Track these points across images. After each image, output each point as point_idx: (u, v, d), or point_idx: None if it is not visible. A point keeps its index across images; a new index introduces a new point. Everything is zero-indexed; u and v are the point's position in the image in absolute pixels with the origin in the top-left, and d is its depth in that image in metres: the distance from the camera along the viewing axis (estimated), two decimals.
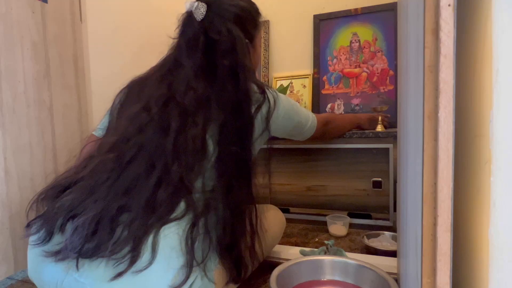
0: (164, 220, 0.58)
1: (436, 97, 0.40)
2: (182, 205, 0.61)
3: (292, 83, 1.84)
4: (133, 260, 0.54)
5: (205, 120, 0.68)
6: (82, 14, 1.49)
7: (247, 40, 0.81)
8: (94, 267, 0.56)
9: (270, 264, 0.99)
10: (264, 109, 0.78)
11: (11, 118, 1.13)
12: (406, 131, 0.64)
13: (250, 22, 0.84)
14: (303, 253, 1.04)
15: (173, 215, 0.59)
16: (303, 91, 1.82)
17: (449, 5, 0.38)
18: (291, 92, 1.84)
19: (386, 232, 1.22)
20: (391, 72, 1.65)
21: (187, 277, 0.56)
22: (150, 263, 0.55)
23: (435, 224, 0.41)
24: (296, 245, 1.21)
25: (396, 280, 0.78)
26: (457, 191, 0.43)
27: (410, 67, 0.56)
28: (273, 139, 1.54)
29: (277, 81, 1.88)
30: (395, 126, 1.41)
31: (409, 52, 0.57)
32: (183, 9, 0.87)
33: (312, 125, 1.00)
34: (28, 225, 0.64)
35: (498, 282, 0.38)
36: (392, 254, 1.04)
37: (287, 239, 1.31)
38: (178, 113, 0.68)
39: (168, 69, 0.77)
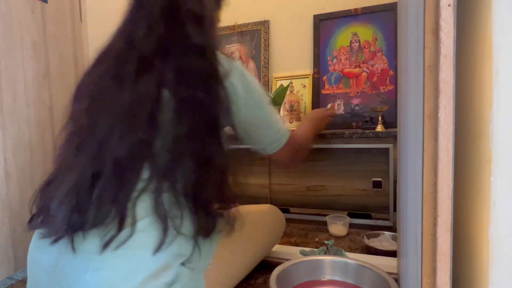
0: (131, 186, 0.57)
1: (436, 97, 0.40)
2: (146, 169, 0.58)
3: (292, 83, 1.84)
4: (119, 229, 0.55)
5: (162, 65, 0.62)
6: (82, 14, 1.49)
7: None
8: (87, 244, 0.56)
9: (270, 264, 0.99)
10: (221, 70, 0.68)
11: (11, 118, 1.13)
12: (406, 131, 0.64)
13: None
14: (303, 253, 1.04)
15: (140, 183, 0.58)
16: (303, 91, 1.82)
17: (449, 5, 0.38)
18: (291, 92, 1.84)
19: (386, 232, 1.21)
20: (391, 72, 1.65)
21: (164, 238, 0.56)
22: (133, 231, 0.55)
23: (435, 224, 0.41)
24: (296, 245, 1.21)
25: (396, 280, 0.78)
26: (457, 191, 0.43)
27: (410, 67, 0.56)
28: None
29: (277, 81, 1.88)
30: (395, 126, 1.41)
31: (409, 52, 0.57)
32: None
33: (284, 130, 0.84)
34: (30, 220, 0.64)
35: (498, 282, 0.38)
36: (392, 254, 1.04)
37: (287, 239, 1.31)
38: (136, 60, 0.62)
39: (128, 17, 0.71)
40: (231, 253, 0.78)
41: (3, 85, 1.10)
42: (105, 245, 0.55)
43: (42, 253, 0.60)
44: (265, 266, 0.99)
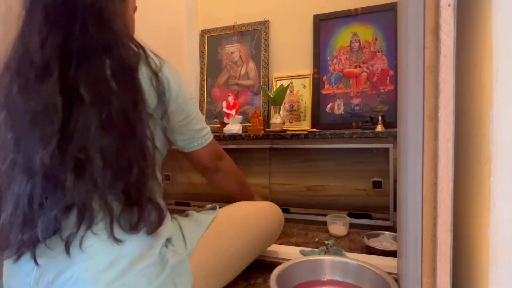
0: (64, 191, 0.59)
1: (436, 97, 0.40)
2: (73, 171, 0.59)
3: (292, 83, 1.84)
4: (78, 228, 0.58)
5: (65, 69, 0.60)
6: None
7: None
8: (56, 252, 0.59)
9: (270, 264, 0.99)
10: (150, 66, 0.67)
11: None
12: (406, 131, 0.64)
13: None
14: (303, 253, 1.04)
15: (81, 183, 0.59)
16: (303, 91, 1.82)
17: (449, 5, 0.38)
18: (291, 92, 1.84)
19: (386, 232, 1.22)
20: (391, 72, 1.65)
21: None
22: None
23: (435, 224, 0.41)
24: (296, 245, 1.21)
25: (396, 280, 0.78)
26: (457, 191, 0.43)
27: (410, 67, 0.56)
28: (273, 138, 1.54)
29: (277, 81, 1.88)
30: (395, 126, 1.41)
31: (409, 52, 0.57)
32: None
33: (209, 134, 0.87)
34: None
35: (498, 282, 0.38)
36: (392, 254, 1.04)
37: (287, 239, 1.31)
38: (38, 68, 0.60)
39: (22, 25, 0.67)
40: (219, 242, 0.79)
41: None
42: (80, 244, 0.57)
43: (19, 278, 0.61)
44: (265, 266, 0.99)
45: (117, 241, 0.59)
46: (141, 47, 0.68)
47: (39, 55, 0.61)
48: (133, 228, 0.60)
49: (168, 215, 0.71)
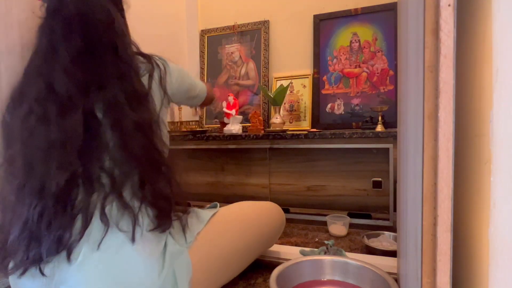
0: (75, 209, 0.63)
1: (436, 97, 0.40)
2: (85, 194, 0.64)
3: (292, 83, 1.84)
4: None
5: (85, 101, 0.66)
6: None
7: (120, 15, 0.79)
8: (62, 269, 0.61)
9: (270, 264, 0.99)
10: (156, 75, 0.78)
11: None
12: (406, 131, 0.64)
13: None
14: (303, 253, 1.04)
15: (97, 193, 0.64)
16: (303, 91, 1.82)
17: (449, 5, 0.38)
18: (291, 92, 1.84)
19: (386, 232, 1.22)
20: (391, 72, 1.65)
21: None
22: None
23: (435, 224, 0.41)
24: (296, 245, 1.22)
25: (396, 280, 0.78)
26: (457, 191, 0.43)
27: (410, 67, 0.56)
28: (273, 138, 1.54)
29: (277, 81, 1.88)
30: (395, 126, 1.41)
31: (409, 52, 0.57)
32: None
33: (201, 86, 1.07)
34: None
35: (498, 282, 0.38)
36: (392, 254, 1.04)
37: (287, 239, 1.31)
38: (58, 102, 0.66)
39: (43, 58, 0.72)
40: (219, 236, 0.80)
41: (3, 85, 1.10)
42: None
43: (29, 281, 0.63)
44: (265, 266, 0.99)
45: (133, 240, 0.63)
46: (148, 58, 0.78)
47: (65, 91, 0.66)
48: (154, 229, 0.65)
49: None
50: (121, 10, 0.81)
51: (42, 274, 0.61)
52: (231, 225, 0.85)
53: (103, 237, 0.62)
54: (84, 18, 0.70)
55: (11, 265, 0.63)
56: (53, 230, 0.61)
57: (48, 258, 0.61)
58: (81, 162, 0.63)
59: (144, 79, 0.75)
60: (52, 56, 0.70)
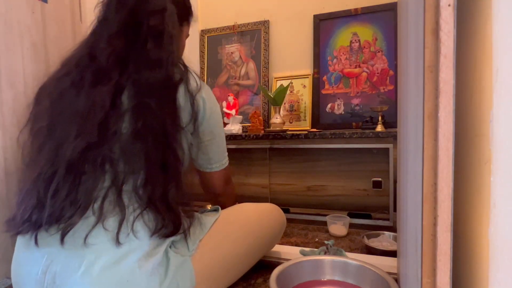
0: (90, 185, 0.62)
1: (436, 97, 0.40)
2: (102, 171, 0.63)
3: (292, 83, 1.84)
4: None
5: (119, 78, 0.67)
6: (82, 14, 1.49)
7: (177, 16, 0.79)
8: (52, 239, 0.61)
9: (270, 264, 0.99)
10: (190, 84, 0.73)
11: (11, 118, 1.13)
12: (406, 131, 0.64)
13: (182, 6, 0.84)
14: (303, 253, 1.04)
15: (99, 184, 0.63)
16: (303, 91, 1.82)
17: (449, 5, 0.38)
18: (291, 92, 1.84)
19: (386, 232, 1.22)
20: (391, 72, 1.65)
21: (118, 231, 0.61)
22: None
23: (435, 224, 0.41)
24: (296, 245, 1.21)
25: (396, 280, 0.78)
26: (457, 191, 0.43)
27: (410, 67, 0.56)
28: (273, 138, 1.54)
29: (277, 81, 1.88)
30: (395, 126, 1.41)
31: (409, 52, 0.57)
32: None
33: (227, 160, 0.92)
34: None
35: (498, 282, 0.38)
36: (392, 254, 1.04)
37: (287, 239, 1.31)
38: (95, 70, 0.67)
39: (93, 29, 0.76)
40: (221, 243, 0.79)
41: (3, 85, 1.10)
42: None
43: (28, 266, 0.63)
44: (265, 266, 0.99)
45: (118, 243, 0.60)
46: (186, 67, 0.75)
47: (105, 60, 0.68)
48: (151, 233, 0.62)
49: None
50: (179, 12, 0.80)
51: (36, 243, 0.61)
52: (233, 230, 0.84)
53: (90, 231, 0.60)
54: None
55: (8, 226, 0.64)
56: (57, 200, 0.60)
57: (47, 226, 0.61)
58: (98, 136, 0.62)
59: (175, 76, 0.72)
60: (102, 27, 0.74)
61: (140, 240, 0.62)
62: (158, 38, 0.71)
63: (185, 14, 0.88)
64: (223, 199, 0.97)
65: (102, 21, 0.75)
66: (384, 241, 1.17)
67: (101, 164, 0.62)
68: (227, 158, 0.91)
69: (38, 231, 0.62)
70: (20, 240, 0.66)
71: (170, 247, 0.67)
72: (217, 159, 0.87)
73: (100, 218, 0.60)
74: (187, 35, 0.93)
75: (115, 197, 0.62)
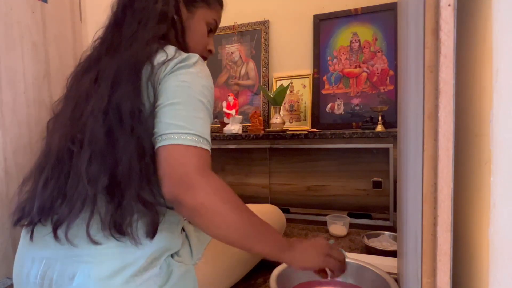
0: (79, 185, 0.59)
1: (436, 97, 0.40)
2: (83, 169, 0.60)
3: (292, 83, 1.84)
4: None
5: (102, 62, 0.66)
6: (82, 14, 1.49)
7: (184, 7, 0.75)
8: (47, 236, 0.60)
9: (270, 264, 0.99)
10: (156, 59, 0.62)
11: (11, 118, 1.13)
12: (406, 131, 0.64)
13: None
14: None
15: (84, 172, 0.58)
16: (303, 91, 1.82)
17: (449, 5, 0.38)
18: (291, 92, 1.84)
19: (386, 232, 1.22)
20: (391, 72, 1.65)
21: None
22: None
23: (435, 224, 0.41)
24: None
25: (396, 280, 0.78)
26: (457, 191, 0.43)
27: (410, 67, 0.56)
28: (273, 138, 1.54)
29: (277, 81, 1.88)
30: (395, 126, 1.41)
31: (409, 52, 0.57)
32: None
33: (197, 134, 0.57)
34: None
35: (498, 282, 0.38)
36: (392, 254, 1.04)
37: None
38: (87, 63, 0.70)
39: (108, 21, 0.77)
40: (225, 249, 0.77)
41: (3, 85, 1.10)
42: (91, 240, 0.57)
43: (27, 268, 0.62)
44: (265, 266, 0.99)
45: (94, 242, 0.56)
46: (162, 44, 0.65)
47: (96, 49, 0.70)
48: (117, 231, 0.55)
49: (178, 229, 0.68)
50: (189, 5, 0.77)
51: (31, 238, 0.61)
52: None
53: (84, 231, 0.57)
54: None
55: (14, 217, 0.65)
56: (47, 190, 0.60)
57: (42, 219, 0.60)
58: (81, 128, 0.60)
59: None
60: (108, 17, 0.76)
61: (130, 253, 0.58)
62: (143, 18, 0.69)
63: None
64: (190, 214, 0.56)
65: (111, 13, 0.76)
66: (384, 241, 1.17)
67: (71, 155, 0.60)
68: (202, 135, 0.58)
69: (35, 226, 0.61)
70: (22, 237, 0.66)
71: (172, 256, 0.64)
72: (178, 125, 0.57)
73: (76, 214, 0.57)
74: (209, 21, 0.81)
75: (83, 190, 0.56)
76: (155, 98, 0.60)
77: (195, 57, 0.64)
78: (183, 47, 0.76)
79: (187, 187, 0.53)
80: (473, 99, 0.45)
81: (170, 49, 0.64)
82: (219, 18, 0.84)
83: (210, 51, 0.86)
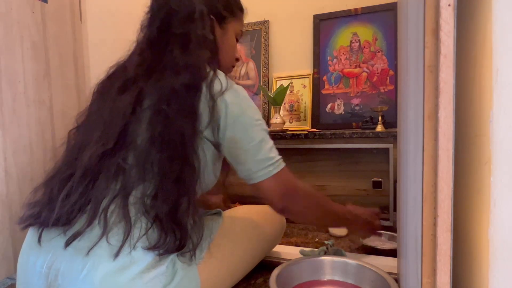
0: (100, 193, 0.62)
1: (436, 97, 0.40)
2: (115, 179, 0.63)
3: (292, 83, 1.84)
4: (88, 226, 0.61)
5: (143, 84, 0.68)
6: (82, 14, 1.49)
7: (212, 17, 0.77)
8: (56, 240, 0.61)
9: (270, 264, 0.99)
10: (213, 87, 0.68)
11: (11, 118, 1.13)
12: (406, 131, 0.64)
13: (220, 3, 0.80)
14: (303, 253, 1.04)
15: (109, 192, 0.62)
16: (303, 91, 1.82)
17: (449, 5, 0.38)
18: (291, 92, 1.84)
19: (380, 231, 1.22)
20: (391, 72, 1.65)
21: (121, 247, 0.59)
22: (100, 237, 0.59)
23: (435, 224, 0.41)
24: (296, 245, 1.21)
25: (396, 280, 0.78)
26: (457, 191, 0.43)
27: (410, 67, 0.56)
28: (273, 138, 1.54)
29: (277, 81, 1.88)
30: (395, 126, 1.41)
31: (409, 52, 0.57)
32: None
33: (278, 163, 0.74)
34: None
35: (498, 282, 0.38)
36: (392, 254, 1.04)
37: (287, 239, 1.31)
38: (122, 81, 0.70)
39: (137, 37, 0.79)
40: (227, 250, 0.78)
41: (3, 85, 1.10)
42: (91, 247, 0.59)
43: (34, 257, 0.63)
44: (265, 266, 0.99)
45: (117, 256, 0.58)
46: (213, 69, 0.71)
47: (132, 70, 0.70)
48: (149, 249, 0.59)
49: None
50: (215, 10, 0.78)
51: (39, 240, 0.62)
52: (237, 235, 0.83)
53: (95, 243, 0.58)
54: (168, 10, 0.74)
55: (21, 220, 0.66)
56: (68, 203, 0.61)
57: (54, 227, 0.61)
58: (116, 144, 0.62)
59: (201, 84, 0.68)
60: (137, 40, 0.77)
61: (142, 253, 0.60)
62: (184, 43, 0.70)
63: (228, 9, 0.81)
64: (292, 216, 0.80)
65: (140, 32, 0.78)
66: (376, 240, 1.17)
67: (114, 173, 0.62)
68: (275, 162, 0.73)
69: (43, 229, 0.62)
70: (30, 233, 0.67)
71: (177, 255, 0.65)
72: (258, 166, 0.71)
73: (105, 230, 0.59)
74: (237, 32, 0.86)
75: (122, 209, 0.60)
76: (219, 130, 0.69)
77: (236, 84, 0.74)
78: (223, 65, 0.81)
79: (291, 200, 0.76)
80: (473, 99, 0.45)
81: (221, 76, 0.71)
82: (243, 24, 0.88)
83: (237, 59, 0.89)
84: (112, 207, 0.60)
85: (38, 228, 0.63)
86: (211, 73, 0.70)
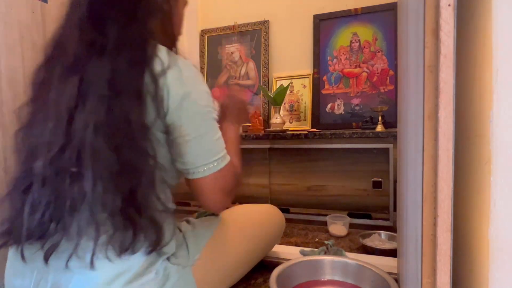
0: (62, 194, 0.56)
1: (436, 97, 0.40)
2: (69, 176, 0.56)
3: (292, 83, 1.84)
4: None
5: (85, 68, 0.58)
6: None
7: None
8: (37, 255, 0.57)
9: (270, 264, 0.99)
10: (154, 68, 0.59)
11: (11, 118, 1.13)
12: (406, 131, 0.64)
13: None
14: (303, 253, 1.04)
15: (74, 193, 0.55)
16: (303, 91, 1.82)
17: (449, 5, 0.38)
18: (291, 92, 1.84)
19: (378, 231, 1.22)
20: (391, 72, 1.65)
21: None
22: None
23: (435, 224, 0.41)
24: (296, 245, 1.21)
25: (396, 280, 0.78)
26: (457, 191, 0.43)
27: (410, 67, 0.56)
28: (273, 138, 1.54)
29: (277, 81, 1.88)
30: (395, 126, 1.41)
31: (409, 52, 0.57)
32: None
33: (217, 160, 0.66)
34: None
35: (498, 282, 0.38)
36: (392, 254, 1.04)
37: (287, 239, 1.31)
38: (61, 64, 0.60)
39: (65, 14, 0.68)
40: (224, 250, 0.77)
41: (3, 85, 1.10)
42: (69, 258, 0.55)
43: (19, 280, 0.60)
44: (265, 266, 0.99)
45: (92, 267, 0.54)
46: (155, 46, 0.61)
47: (72, 50, 0.60)
48: (125, 251, 0.55)
49: (175, 232, 0.68)
50: None
51: (23, 257, 0.57)
52: (235, 236, 0.82)
53: (71, 254, 0.54)
54: None
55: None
56: (35, 216, 0.55)
57: (30, 241, 0.56)
58: (63, 144, 0.55)
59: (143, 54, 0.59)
60: (72, 9, 0.66)
61: (122, 262, 0.57)
62: (133, 13, 0.61)
63: None
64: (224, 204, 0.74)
65: (72, 7, 0.66)
66: (375, 240, 1.17)
67: (70, 177, 0.55)
68: (219, 158, 0.66)
69: (23, 246, 0.57)
70: (11, 254, 0.63)
71: (168, 259, 0.63)
72: (199, 162, 0.64)
73: (79, 239, 0.54)
74: (185, 3, 0.77)
75: (85, 213, 0.54)
76: (166, 119, 0.61)
77: (182, 60, 0.63)
78: (169, 38, 0.70)
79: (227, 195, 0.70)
80: (473, 99, 0.45)
81: (162, 53, 0.61)
82: None
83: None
84: (77, 214, 0.55)
85: (16, 246, 0.58)
86: (155, 48, 0.61)
